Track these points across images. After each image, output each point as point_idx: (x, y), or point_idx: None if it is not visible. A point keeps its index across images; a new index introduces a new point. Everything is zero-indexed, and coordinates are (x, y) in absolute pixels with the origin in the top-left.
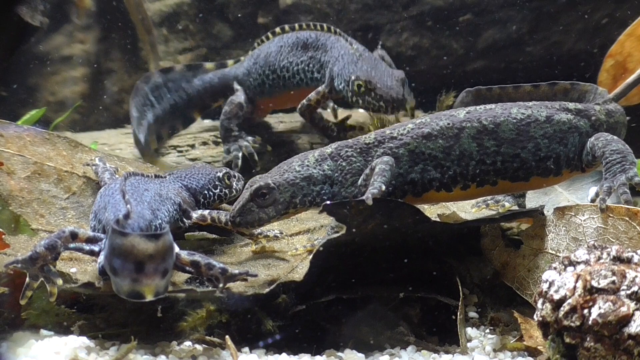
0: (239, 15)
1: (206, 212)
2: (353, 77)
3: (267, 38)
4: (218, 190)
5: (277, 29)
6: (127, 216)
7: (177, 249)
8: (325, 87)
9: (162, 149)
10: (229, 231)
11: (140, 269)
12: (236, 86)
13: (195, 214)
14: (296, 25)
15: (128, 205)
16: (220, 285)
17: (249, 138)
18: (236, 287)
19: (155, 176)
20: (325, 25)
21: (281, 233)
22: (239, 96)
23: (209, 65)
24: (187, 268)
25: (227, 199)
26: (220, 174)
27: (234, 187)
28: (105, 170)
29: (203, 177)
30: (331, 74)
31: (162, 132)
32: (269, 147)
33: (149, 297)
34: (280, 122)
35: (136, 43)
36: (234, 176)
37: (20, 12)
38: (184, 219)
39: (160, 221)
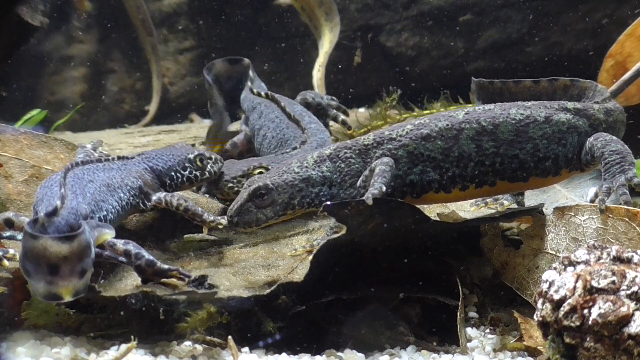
0: (239, 15)
1: (162, 195)
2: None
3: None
4: (187, 172)
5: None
6: (52, 213)
7: (110, 238)
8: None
9: None
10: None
11: (54, 272)
12: (243, 127)
13: (155, 197)
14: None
15: (58, 201)
16: (144, 277)
17: None
18: (236, 289)
19: (119, 158)
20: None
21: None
22: (239, 137)
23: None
24: (121, 258)
25: (198, 181)
26: (191, 156)
27: (207, 170)
28: (84, 152)
29: (172, 158)
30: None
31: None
32: None
33: (67, 298)
34: None
35: (136, 43)
36: (210, 158)
37: (20, 12)
38: (145, 202)
39: (105, 212)
